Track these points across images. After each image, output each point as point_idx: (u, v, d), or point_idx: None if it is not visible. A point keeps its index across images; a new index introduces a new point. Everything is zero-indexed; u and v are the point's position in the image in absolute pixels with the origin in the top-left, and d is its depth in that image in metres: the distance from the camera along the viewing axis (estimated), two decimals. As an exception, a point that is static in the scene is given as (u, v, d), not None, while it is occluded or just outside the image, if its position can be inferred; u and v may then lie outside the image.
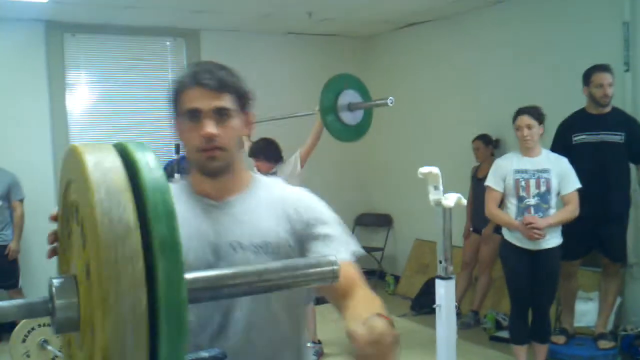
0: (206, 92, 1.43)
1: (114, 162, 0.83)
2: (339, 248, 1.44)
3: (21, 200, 5.27)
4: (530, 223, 3.90)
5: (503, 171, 4.09)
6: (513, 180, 4.02)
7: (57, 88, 5.85)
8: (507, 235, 4.10)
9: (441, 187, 2.37)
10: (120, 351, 0.71)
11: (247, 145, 4.57)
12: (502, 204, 4.18)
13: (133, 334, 0.71)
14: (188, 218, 1.48)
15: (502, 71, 5.52)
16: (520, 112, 3.99)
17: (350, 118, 4.26)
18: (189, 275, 0.86)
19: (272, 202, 1.52)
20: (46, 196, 5.34)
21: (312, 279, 0.99)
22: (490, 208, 4.17)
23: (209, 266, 1.42)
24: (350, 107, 4.24)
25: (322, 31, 6.64)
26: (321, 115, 4.26)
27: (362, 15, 5.90)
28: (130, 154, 0.85)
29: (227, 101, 1.45)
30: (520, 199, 4.01)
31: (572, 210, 3.97)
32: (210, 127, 1.42)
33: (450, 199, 2.38)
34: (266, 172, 4.65)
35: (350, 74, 4.48)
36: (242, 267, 0.97)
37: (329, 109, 4.21)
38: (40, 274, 5.27)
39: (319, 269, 0.99)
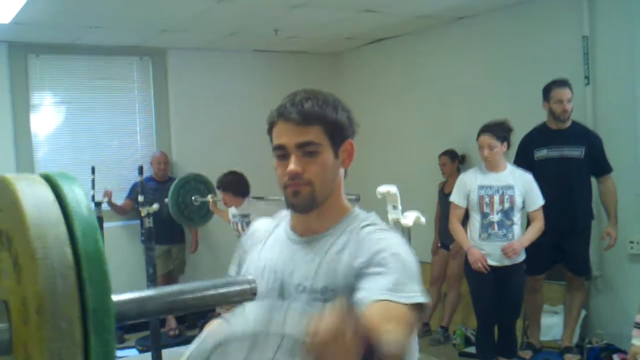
0: (291, 126, 1.37)
1: (44, 192, 0.86)
2: (382, 287, 1.26)
3: None
4: (511, 250, 3.96)
5: (467, 187, 4.13)
6: (477, 196, 4.07)
7: (21, 110, 5.78)
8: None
9: (400, 207, 2.37)
10: (52, 299, 0.75)
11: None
12: (466, 219, 4.22)
13: (63, 282, 0.76)
14: (270, 249, 1.49)
15: (467, 86, 5.58)
16: (483, 130, 4.04)
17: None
18: (115, 297, 0.88)
19: (355, 244, 1.39)
20: None
21: (231, 296, 1.04)
22: (453, 223, 4.22)
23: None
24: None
25: (289, 48, 6.67)
26: None
27: (328, 32, 5.94)
28: (54, 181, 0.87)
29: (312, 135, 1.37)
30: (484, 215, 4.05)
31: (540, 227, 4.04)
32: (294, 164, 1.37)
33: (409, 218, 2.39)
34: (238, 209, 4.66)
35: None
36: (171, 286, 1.02)
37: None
38: None
39: (237, 287, 1.04)
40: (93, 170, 5.21)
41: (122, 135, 6.30)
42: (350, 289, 1.32)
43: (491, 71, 5.38)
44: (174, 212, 5.22)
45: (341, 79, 7.09)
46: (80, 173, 5.59)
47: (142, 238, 5.42)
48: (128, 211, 5.91)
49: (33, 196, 0.83)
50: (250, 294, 1.05)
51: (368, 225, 1.43)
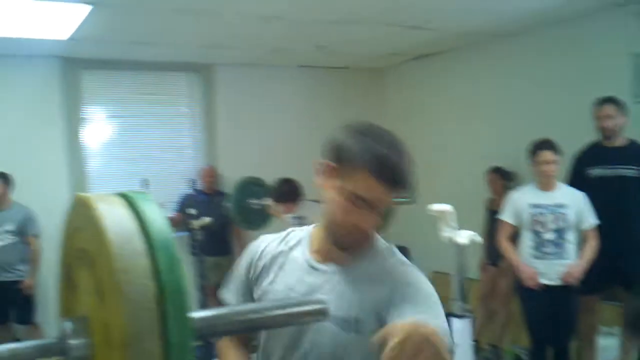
0: (386, 191, 1.36)
1: (127, 219, 0.87)
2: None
3: (36, 236, 5.27)
4: (570, 277, 3.90)
5: (518, 205, 4.07)
6: (529, 215, 4.00)
7: (73, 123, 5.91)
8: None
9: (455, 225, 2.35)
10: (135, 332, 0.77)
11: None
12: (516, 238, 4.16)
13: (147, 315, 0.78)
14: (290, 275, 1.48)
15: (514, 103, 5.50)
16: (543, 146, 3.96)
17: None
18: (195, 314, 0.92)
19: (377, 275, 1.43)
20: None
21: (303, 316, 1.06)
22: (501, 241, 4.16)
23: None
24: None
25: (332, 64, 6.68)
26: None
27: (371, 48, 5.93)
28: (135, 203, 0.90)
29: (395, 197, 1.40)
30: (537, 234, 3.98)
31: (595, 246, 3.96)
32: (370, 223, 1.40)
33: (464, 237, 2.36)
34: (293, 214, 4.66)
35: None
36: (243, 305, 1.05)
37: None
38: (57, 310, 5.28)
39: (309, 307, 1.05)
40: (145, 183, 5.27)
41: (171, 149, 6.39)
42: (379, 321, 1.33)
43: (539, 88, 5.29)
44: (234, 216, 5.23)
45: (384, 94, 7.09)
46: (131, 185, 5.70)
47: (194, 250, 5.48)
48: (178, 224, 5.98)
49: (116, 224, 0.84)
50: (321, 314, 1.05)
51: (393, 257, 1.48)
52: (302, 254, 1.51)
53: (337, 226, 1.41)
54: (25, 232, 5.23)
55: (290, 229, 1.58)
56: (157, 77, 6.31)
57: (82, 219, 0.93)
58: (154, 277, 0.80)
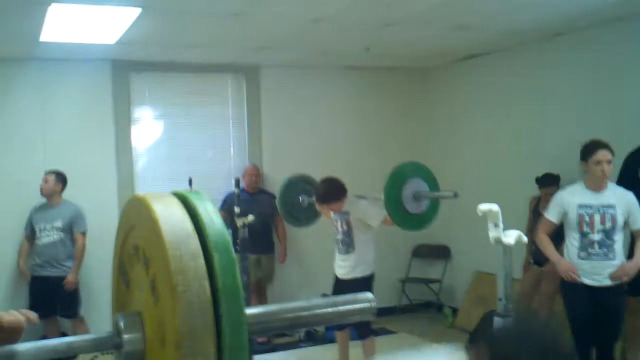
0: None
1: (183, 219, 0.89)
2: None
3: (83, 233, 5.41)
4: (623, 274, 3.85)
5: (565, 204, 4.02)
6: (576, 215, 3.95)
7: (122, 124, 6.07)
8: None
9: (501, 225, 2.35)
10: (190, 333, 0.79)
11: None
12: (561, 238, 4.11)
13: (201, 317, 0.79)
14: None
15: (563, 104, 5.42)
16: (600, 146, 3.90)
17: (415, 207, 4.19)
18: (249, 311, 0.93)
19: None
20: (110, 228, 5.50)
21: (351, 314, 1.06)
22: (540, 234, 4.13)
23: None
24: (416, 197, 4.18)
25: (378, 64, 6.69)
26: (385, 204, 4.22)
27: (418, 49, 5.92)
28: (191, 203, 0.92)
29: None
30: (584, 235, 3.93)
31: None
32: None
33: (511, 237, 2.36)
34: (338, 211, 4.69)
35: (418, 162, 4.44)
36: (291, 303, 1.04)
37: (393, 198, 4.17)
38: (102, 304, 5.45)
39: (357, 306, 1.05)
40: (190, 182, 5.38)
41: (216, 149, 6.49)
42: None
43: (589, 88, 5.20)
44: (282, 213, 5.31)
45: (431, 94, 7.05)
46: (176, 184, 5.81)
47: (237, 248, 5.55)
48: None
49: (173, 225, 0.86)
50: (369, 313, 1.05)
51: None
52: None
53: None
54: (72, 228, 5.38)
55: None
56: (203, 78, 6.42)
57: (137, 218, 0.95)
58: (209, 278, 0.82)
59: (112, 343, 0.91)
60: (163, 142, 6.30)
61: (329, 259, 4.95)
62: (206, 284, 0.82)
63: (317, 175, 5.14)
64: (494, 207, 2.34)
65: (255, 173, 6.26)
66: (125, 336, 0.90)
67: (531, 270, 5.35)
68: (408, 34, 5.21)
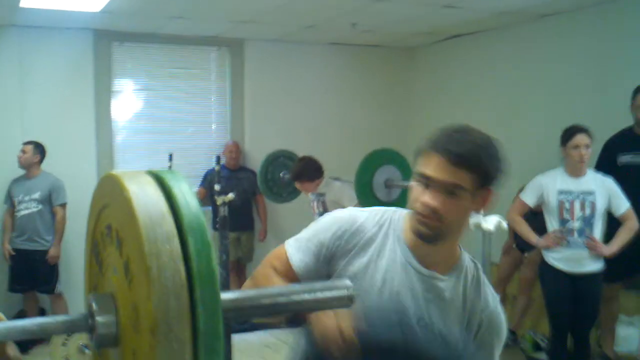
0: (444, 163, 1.34)
1: (158, 199, 0.86)
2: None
3: (62, 205, 5.32)
4: (593, 244, 3.85)
5: (542, 189, 4.02)
6: (557, 201, 3.95)
7: (103, 95, 5.97)
8: (548, 257, 4.03)
9: (481, 211, 2.33)
10: (165, 318, 0.76)
11: None
12: (541, 223, 4.11)
13: (176, 301, 0.77)
14: (388, 267, 1.46)
15: (548, 87, 5.42)
16: (578, 130, 3.88)
17: (385, 195, 4.16)
18: (224, 295, 0.91)
19: (469, 295, 1.49)
20: (88, 201, 5.45)
21: (329, 301, 1.05)
22: (513, 214, 4.09)
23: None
24: (387, 184, 4.16)
25: (364, 41, 6.64)
26: (355, 189, 4.20)
27: (406, 27, 5.87)
28: (166, 183, 0.89)
29: (462, 179, 1.35)
30: (563, 221, 3.94)
31: (633, 226, 3.91)
32: (435, 200, 1.35)
33: (491, 222, 2.35)
34: (314, 192, 4.67)
35: (393, 149, 4.39)
36: (269, 288, 1.03)
37: (363, 184, 4.15)
38: (81, 278, 5.37)
39: (335, 292, 1.04)
40: (170, 158, 5.32)
41: (197, 124, 6.43)
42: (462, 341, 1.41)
43: (574, 72, 5.19)
44: (262, 188, 5.29)
45: (415, 73, 7.02)
46: (156, 158, 5.76)
47: (216, 225, 5.53)
48: (201, 199, 6.03)
49: (147, 205, 0.83)
50: (347, 300, 1.04)
51: (479, 277, 1.52)
52: (401, 251, 1.48)
53: (412, 212, 1.41)
54: (51, 201, 5.28)
55: (382, 209, 1.54)
56: (187, 51, 6.32)
57: (111, 196, 0.92)
58: (184, 261, 0.79)
59: (84, 325, 0.89)
60: (144, 115, 6.22)
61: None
62: (181, 267, 0.79)
63: (300, 151, 5.11)
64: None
65: (236, 150, 6.21)
66: (98, 318, 0.87)
67: (511, 254, 5.37)
68: (396, 11, 5.15)
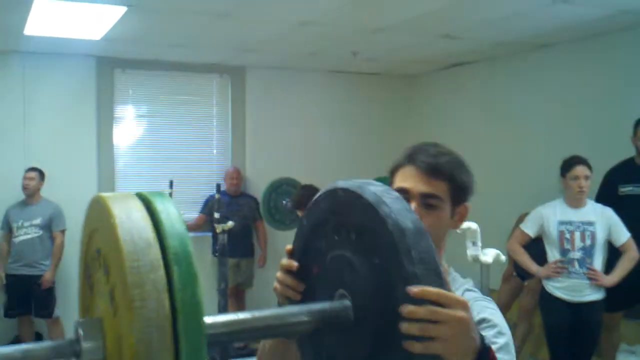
0: (419, 174, 1.35)
1: (144, 227, 0.85)
2: None
3: (62, 231, 5.33)
4: (594, 274, 3.84)
5: (543, 219, 4.02)
6: (557, 232, 3.95)
7: (105, 121, 6.01)
8: (548, 286, 4.02)
9: (479, 243, 2.32)
10: (147, 351, 0.75)
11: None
12: (540, 249, 4.09)
13: (158, 334, 0.76)
14: None
15: (546, 117, 5.42)
16: (578, 161, 3.91)
17: None
18: (208, 319, 0.89)
19: None
20: None
21: (328, 321, 0.99)
22: (513, 244, 4.11)
23: None
24: None
25: (364, 70, 6.68)
26: None
27: (405, 55, 5.91)
28: (154, 207, 0.87)
29: (438, 189, 1.35)
30: (564, 252, 3.93)
31: (634, 257, 3.91)
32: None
33: (489, 255, 2.33)
34: None
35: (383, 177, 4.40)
36: (264, 310, 0.98)
37: None
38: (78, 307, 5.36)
39: (333, 315, 0.99)
40: (171, 184, 5.32)
41: (198, 150, 6.45)
42: None
43: (573, 102, 5.20)
44: (265, 216, 5.28)
45: (415, 102, 7.05)
46: (157, 185, 5.77)
47: (216, 253, 5.52)
48: (201, 226, 6.02)
49: (132, 232, 0.81)
50: (347, 321, 0.99)
51: (469, 290, 1.41)
52: None
53: None
54: (52, 226, 5.29)
55: None
56: (188, 78, 6.36)
57: (99, 221, 0.91)
58: (168, 292, 0.78)
59: (70, 350, 0.87)
60: (145, 141, 6.24)
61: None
62: (165, 299, 0.77)
63: (300, 178, 5.11)
64: (473, 225, 2.31)
65: (237, 176, 6.21)
66: (85, 344, 0.86)
67: (511, 282, 5.33)
68: (395, 40, 5.19)
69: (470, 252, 2.33)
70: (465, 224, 2.35)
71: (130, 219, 0.84)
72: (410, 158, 1.37)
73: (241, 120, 6.51)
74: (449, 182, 1.35)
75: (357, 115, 6.89)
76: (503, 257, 2.39)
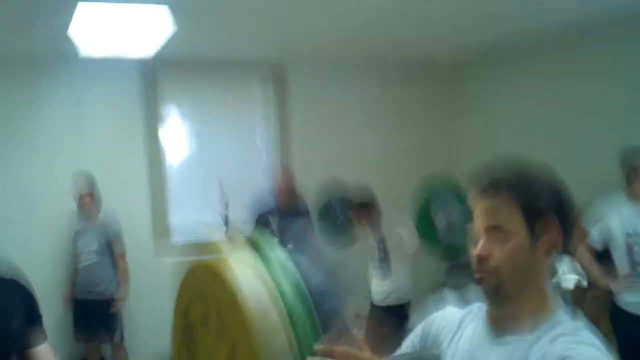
0: (480, 200, 1.24)
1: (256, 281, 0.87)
2: None
3: (122, 255, 5.30)
4: None
5: (609, 230, 3.80)
6: (625, 243, 3.72)
7: (151, 122, 6.01)
8: (620, 300, 3.82)
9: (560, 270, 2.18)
10: None
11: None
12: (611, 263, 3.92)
13: None
14: (466, 342, 1.33)
15: (601, 103, 5.24)
16: None
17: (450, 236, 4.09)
18: None
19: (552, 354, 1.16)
20: (140, 242, 5.67)
21: None
22: (582, 257, 3.84)
23: None
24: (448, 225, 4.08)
25: (409, 58, 6.54)
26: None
27: (449, 42, 5.79)
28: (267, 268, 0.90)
29: (502, 213, 1.22)
30: (634, 263, 3.70)
31: None
32: (480, 246, 1.23)
33: (570, 282, 2.21)
34: (374, 235, 4.68)
35: (443, 175, 4.30)
36: None
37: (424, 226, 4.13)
38: (141, 327, 5.53)
39: None
40: (221, 186, 5.14)
41: (246, 150, 6.42)
42: None
43: (627, 88, 5.01)
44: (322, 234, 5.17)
45: (462, 89, 6.89)
46: (207, 186, 5.73)
47: None
48: None
49: (252, 297, 0.84)
50: None
51: (565, 334, 1.19)
52: (481, 319, 1.34)
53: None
54: (111, 250, 5.27)
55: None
56: (230, 75, 6.29)
57: (206, 286, 0.93)
58: (291, 352, 0.82)
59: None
60: (191, 140, 6.26)
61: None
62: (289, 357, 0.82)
63: (351, 173, 5.05)
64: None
65: (288, 184, 5.38)
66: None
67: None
68: (438, 26, 5.09)
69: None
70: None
71: (247, 283, 0.86)
72: (474, 177, 1.28)
73: (287, 118, 6.44)
74: (517, 200, 1.21)
75: (402, 104, 6.76)
76: (585, 283, 2.26)
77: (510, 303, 1.25)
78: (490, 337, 1.29)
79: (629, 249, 3.71)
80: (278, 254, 0.88)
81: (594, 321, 4.32)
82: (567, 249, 3.83)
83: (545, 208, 1.21)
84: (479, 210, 1.25)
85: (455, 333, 1.38)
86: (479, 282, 1.25)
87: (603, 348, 1.17)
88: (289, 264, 0.88)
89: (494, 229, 1.22)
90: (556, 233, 1.22)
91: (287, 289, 0.84)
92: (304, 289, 0.84)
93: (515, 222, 1.21)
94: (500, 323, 1.28)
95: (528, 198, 1.21)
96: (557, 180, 1.28)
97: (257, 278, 0.87)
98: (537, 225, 1.22)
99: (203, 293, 0.95)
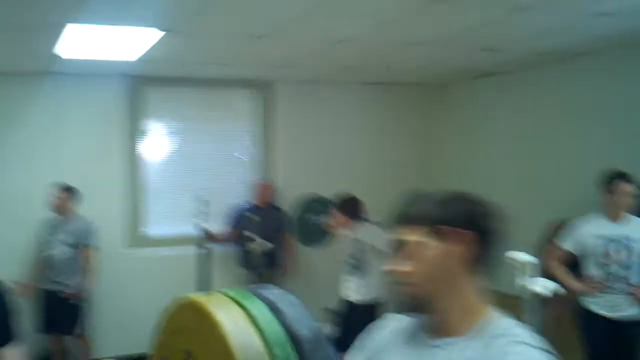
0: (395, 226, 1.38)
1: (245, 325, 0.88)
2: None
3: (93, 248, 5.30)
4: (635, 289, 3.80)
5: (583, 235, 3.97)
6: (595, 247, 3.90)
7: (136, 137, 6.05)
8: (586, 302, 3.98)
9: (536, 275, 2.25)
10: None
11: None
12: (579, 270, 4.04)
13: None
14: (401, 352, 1.39)
15: (581, 126, 5.32)
16: (622, 178, 3.87)
17: None
18: None
19: (488, 357, 1.24)
20: (114, 243, 5.76)
21: None
22: (553, 263, 4.03)
23: None
24: None
25: (395, 80, 6.61)
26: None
27: (440, 67, 5.84)
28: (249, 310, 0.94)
29: (412, 234, 1.33)
30: (602, 266, 3.88)
31: None
32: (391, 263, 1.36)
33: (547, 288, 2.27)
34: (352, 232, 4.72)
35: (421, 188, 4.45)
36: None
37: None
38: (104, 319, 5.59)
39: None
40: (200, 199, 5.21)
41: (228, 164, 6.44)
42: None
43: (606, 112, 5.08)
44: (295, 231, 5.23)
45: (447, 110, 6.96)
46: (185, 200, 5.75)
47: (246, 265, 5.57)
48: (232, 239, 5.94)
49: (241, 341, 0.87)
50: None
51: (503, 335, 1.26)
52: (414, 328, 1.42)
53: None
54: (83, 244, 5.27)
55: None
56: (218, 93, 6.37)
57: (195, 324, 0.94)
58: None
59: None
60: (175, 156, 6.27)
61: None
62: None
63: (331, 191, 5.11)
64: (529, 257, 2.27)
65: (269, 188, 6.09)
66: None
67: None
68: (431, 54, 5.12)
69: (521, 281, 2.25)
70: (521, 257, 2.29)
71: (237, 327, 0.87)
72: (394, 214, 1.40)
73: (271, 134, 6.49)
74: (426, 224, 1.32)
75: (388, 124, 6.83)
76: (563, 290, 2.32)
77: (434, 311, 1.34)
78: (424, 343, 1.37)
79: (598, 251, 3.89)
80: (263, 310, 0.90)
81: (557, 320, 4.42)
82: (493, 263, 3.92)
83: (456, 223, 1.31)
84: (397, 234, 1.37)
85: (390, 342, 1.45)
86: (401, 294, 1.35)
87: (540, 344, 1.25)
88: (274, 320, 0.90)
89: (407, 245, 1.33)
90: (470, 246, 1.30)
91: (279, 336, 0.86)
92: (298, 337, 0.86)
93: (427, 238, 1.32)
94: (432, 329, 1.36)
95: (439, 216, 1.32)
96: (477, 201, 1.37)
97: (246, 323, 0.89)
98: (449, 239, 1.31)
99: (187, 328, 0.96)
